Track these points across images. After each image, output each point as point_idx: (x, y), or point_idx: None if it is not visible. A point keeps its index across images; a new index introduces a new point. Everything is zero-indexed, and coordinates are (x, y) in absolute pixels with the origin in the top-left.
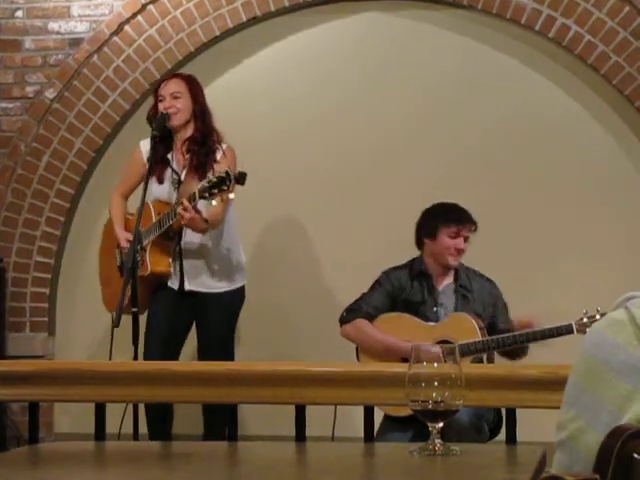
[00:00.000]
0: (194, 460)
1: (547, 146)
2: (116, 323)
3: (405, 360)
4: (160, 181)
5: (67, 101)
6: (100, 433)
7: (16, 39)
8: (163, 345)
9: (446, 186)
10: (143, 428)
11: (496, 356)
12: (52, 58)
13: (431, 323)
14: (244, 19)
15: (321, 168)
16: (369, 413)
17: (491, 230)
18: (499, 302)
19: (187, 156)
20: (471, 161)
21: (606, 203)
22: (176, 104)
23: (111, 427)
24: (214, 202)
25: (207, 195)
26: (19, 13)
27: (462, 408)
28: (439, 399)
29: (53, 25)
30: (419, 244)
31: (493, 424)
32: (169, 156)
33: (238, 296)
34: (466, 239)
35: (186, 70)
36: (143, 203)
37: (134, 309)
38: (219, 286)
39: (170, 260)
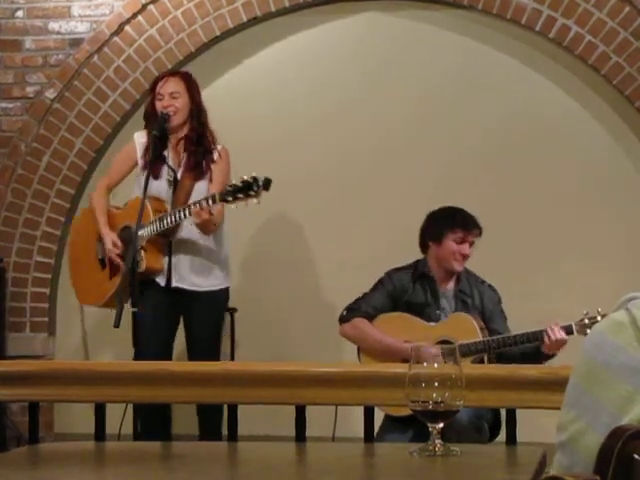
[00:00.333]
0: (194, 460)
1: (547, 146)
2: (116, 324)
3: (404, 361)
4: (156, 176)
5: (67, 101)
6: (100, 433)
7: (16, 39)
8: (155, 343)
9: (446, 186)
10: None
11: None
12: (52, 58)
13: (431, 323)
14: (244, 19)
15: (322, 168)
16: (369, 413)
17: (491, 230)
18: (497, 308)
19: (183, 155)
20: (471, 161)
21: (606, 203)
22: (175, 103)
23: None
24: (236, 206)
25: (230, 199)
26: (19, 13)
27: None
28: (439, 400)
29: (53, 25)
30: (423, 247)
31: (490, 423)
32: (165, 153)
33: (224, 296)
34: (471, 244)
35: (187, 70)
36: (143, 203)
37: (133, 309)
38: (206, 284)
39: (163, 257)
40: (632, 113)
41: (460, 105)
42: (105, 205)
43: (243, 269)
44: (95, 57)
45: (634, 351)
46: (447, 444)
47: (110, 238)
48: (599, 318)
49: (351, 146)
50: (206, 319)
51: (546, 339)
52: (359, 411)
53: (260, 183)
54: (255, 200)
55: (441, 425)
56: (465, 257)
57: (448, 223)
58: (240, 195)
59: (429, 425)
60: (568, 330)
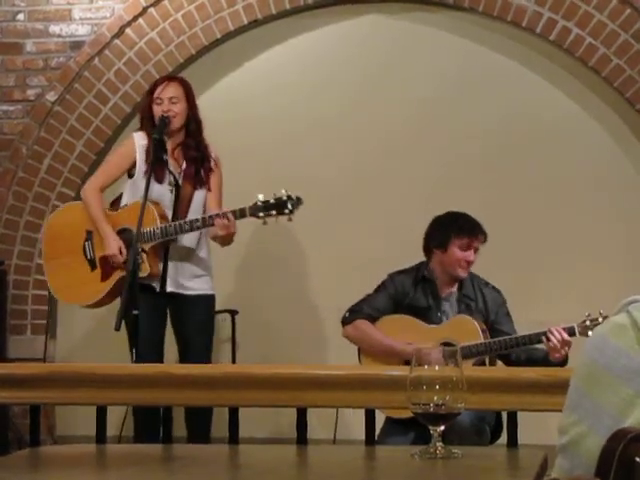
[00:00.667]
0: (195, 463)
1: (548, 148)
2: (117, 327)
3: (406, 362)
4: (159, 180)
5: (68, 104)
6: (101, 436)
7: (17, 42)
8: (151, 346)
9: (446, 188)
10: None
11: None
12: (53, 61)
13: (433, 325)
14: (245, 22)
15: (322, 170)
16: (370, 416)
17: (490, 231)
18: (502, 309)
19: (182, 162)
20: (472, 163)
21: (607, 204)
22: (173, 108)
23: (112, 430)
24: (266, 222)
25: (261, 214)
26: (20, 16)
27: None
28: (440, 402)
29: (54, 28)
30: (427, 252)
31: (492, 427)
32: (165, 158)
33: (212, 301)
34: (476, 251)
35: (187, 73)
36: (144, 205)
37: (135, 312)
38: (199, 288)
39: (159, 261)
40: (633, 115)
41: (461, 107)
42: (101, 207)
43: (244, 271)
44: (96, 60)
45: (635, 354)
46: (448, 446)
47: (117, 244)
48: (601, 319)
49: (352, 148)
50: (201, 322)
51: (550, 341)
52: (360, 414)
53: (295, 201)
54: (287, 218)
55: (442, 428)
56: (470, 264)
57: (454, 230)
58: (273, 212)
59: (430, 428)
60: (570, 332)
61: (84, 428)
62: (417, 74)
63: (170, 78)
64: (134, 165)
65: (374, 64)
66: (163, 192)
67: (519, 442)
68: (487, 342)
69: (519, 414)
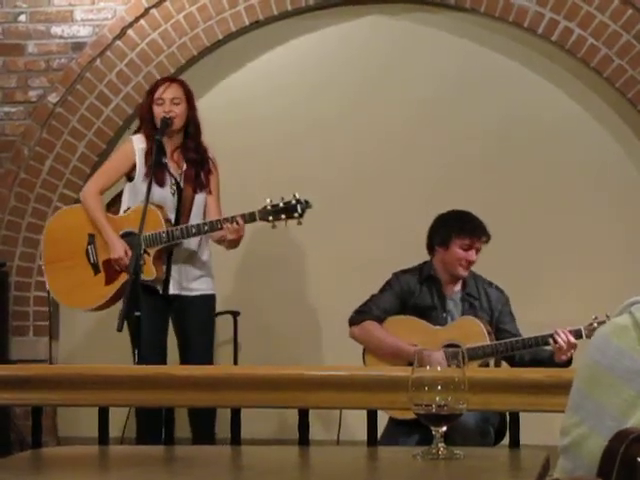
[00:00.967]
0: (197, 464)
1: (549, 149)
2: (119, 328)
3: (411, 364)
4: (160, 183)
5: (70, 105)
6: (103, 437)
7: (19, 43)
8: (151, 346)
9: (447, 188)
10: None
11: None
12: (55, 62)
13: (439, 326)
14: (247, 23)
15: (323, 171)
16: (372, 417)
17: (492, 232)
18: (505, 309)
19: (184, 165)
20: (472, 164)
21: (608, 205)
22: (175, 109)
23: (114, 431)
24: (275, 226)
25: (270, 218)
26: (22, 17)
27: (468, 412)
28: (442, 403)
29: (56, 29)
30: (430, 250)
31: (497, 428)
32: (164, 160)
33: (213, 301)
34: (478, 250)
35: (189, 74)
36: (146, 207)
37: (137, 313)
38: (200, 289)
39: (163, 264)
40: (634, 115)
41: (462, 107)
42: (104, 210)
43: (245, 273)
44: (97, 61)
45: (638, 355)
46: (450, 447)
47: (123, 247)
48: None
49: (352, 148)
50: (202, 322)
51: (557, 343)
52: (364, 414)
53: (304, 205)
54: (296, 221)
55: (444, 428)
56: (471, 263)
57: (456, 229)
58: (282, 215)
59: (432, 428)
60: (577, 334)
61: (86, 429)
62: (418, 75)
63: (171, 79)
64: (133, 168)
65: (375, 65)
66: (165, 195)
67: (521, 443)
68: (493, 344)
69: (522, 415)
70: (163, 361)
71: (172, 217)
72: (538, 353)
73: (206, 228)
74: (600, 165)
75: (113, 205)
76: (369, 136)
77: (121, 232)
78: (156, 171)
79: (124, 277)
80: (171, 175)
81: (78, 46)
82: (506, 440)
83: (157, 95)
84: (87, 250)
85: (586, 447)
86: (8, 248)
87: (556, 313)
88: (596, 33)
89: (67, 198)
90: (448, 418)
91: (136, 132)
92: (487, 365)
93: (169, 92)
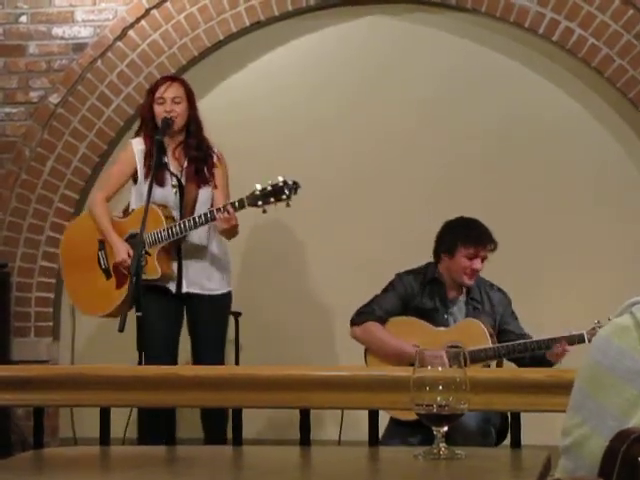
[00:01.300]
0: (199, 464)
1: (550, 149)
2: (120, 328)
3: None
4: (161, 183)
5: (71, 106)
6: (105, 438)
7: (20, 44)
8: (164, 348)
9: (448, 189)
10: None
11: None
12: (56, 63)
13: (441, 328)
14: (247, 24)
15: (323, 171)
16: (374, 417)
17: (493, 234)
18: (508, 310)
19: (185, 162)
20: (473, 164)
21: (609, 205)
22: (176, 108)
23: (116, 432)
24: (266, 210)
25: (260, 203)
26: (23, 18)
27: (469, 413)
28: (444, 403)
29: (57, 30)
30: (436, 256)
31: (498, 428)
32: (165, 160)
33: (229, 299)
34: (484, 259)
35: (190, 74)
36: (147, 207)
37: (138, 313)
38: (214, 288)
39: (172, 262)
40: (635, 115)
41: (462, 107)
42: (110, 216)
43: (246, 273)
44: (99, 62)
45: (639, 355)
46: (451, 447)
47: (125, 249)
48: None
49: (353, 149)
50: (214, 322)
51: (554, 351)
52: (366, 414)
53: (291, 186)
54: (285, 203)
55: (445, 428)
56: (476, 272)
57: (462, 237)
58: (271, 199)
59: (433, 428)
60: (579, 339)
61: (88, 430)
62: (418, 75)
63: (172, 78)
64: (136, 171)
65: (375, 65)
66: (167, 194)
67: (523, 443)
68: (495, 347)
69: (523, 415)
70: (174, 361)
71: (177, 215)
72: (535, 352)
73: (202, 220)
74: (600, 165)
75: (128, 209)
76: (369, 136)
77: (126, 235)
78: (156, 171)
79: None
80: (172, 174)
81: (79, 47)
82: (507, 440)
83: (158, 94)
84: (98, 256)
85: (587, 447)
86: (9, 249)
87: (557, 313)
88: (597, 33)
89: (68, 199)
90: (449, 418)
91: (136, 134)
92: (488, 366)
93: (170, 91)
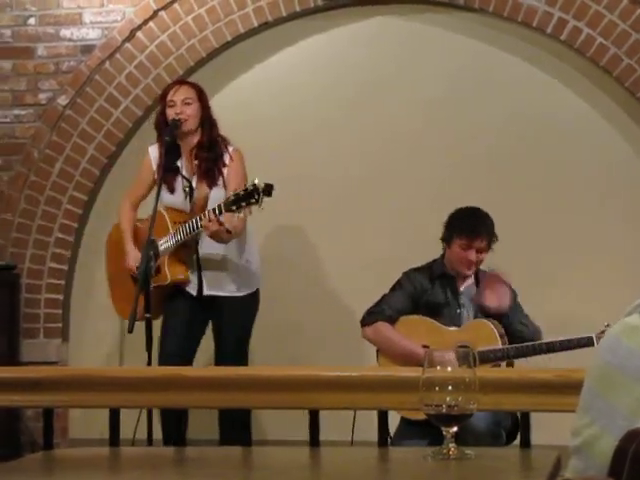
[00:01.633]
0: (208, 465)
1: (558, 148)
2: (130, 329)
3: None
4: (171, 190)
5: (79, 108)
6: (114, 439)
7: (29, 46)
8: (180, 349)
9: (456, 188)
10: (157, 434)
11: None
12: (64, 65)
13: (452, 328)
14: (255, 24)
15: (331, 170)
16: (383, 418)
17: (500, 233)
18: (515, 302)
19: (195, 163)
20: (481, 163)
21: (617, 205)
22: (187, 110)
23: (125, 433)
24: (241, 215)
25: (234, 208)
26: (31, 20)
27: (479, 414)
28: (453, 403)
29: (65, 32)
30: (443, 245)
31: (508, 429)
32: (178, 164)
33: (255, 299)
34: (480, 251)
35: (198, 75)
36: (155, 212)
37: (147, 315)
38: (235, 290)
39: (188, 268)
40: None
41: (470, 107)
42: (129, 222)
43: None
44: (107, 63)
45: None
46: (461, 447)
47: (133, 258)
48: None
49: (360, 148)
50: (235, 324)
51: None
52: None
53: (260, 190)
54: (256, 207)
55: (455, 429)
56: (472, 263)
57: (456, 228)
58: (242, 203)
59: (443, 429)
60: (589, 341)
61: (97, 431)
62: (427, 75)
63: (181, 81)
64: (155, 177)
65: (383, 65)
66: (178, 198)
67: (532, 443)
68: (504, 348)
69: (532, 415)
70: (183, 363)
71: (188, 218)
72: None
73: (196, 226)
74: (609, 164)
75: None
76: (377, 135)
77: (145, 240)
78: (168, 178)
79: (151, 284)
80: (183, 177)
81: (87, 49)
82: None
83: (169, 97)
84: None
85: (598, 447)
86: (19, 250)
87: (566, 314)
88: (605, 32)
89: (77, 200)
90: (459, 418)
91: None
92: (499, 366)
93: (180, 93)
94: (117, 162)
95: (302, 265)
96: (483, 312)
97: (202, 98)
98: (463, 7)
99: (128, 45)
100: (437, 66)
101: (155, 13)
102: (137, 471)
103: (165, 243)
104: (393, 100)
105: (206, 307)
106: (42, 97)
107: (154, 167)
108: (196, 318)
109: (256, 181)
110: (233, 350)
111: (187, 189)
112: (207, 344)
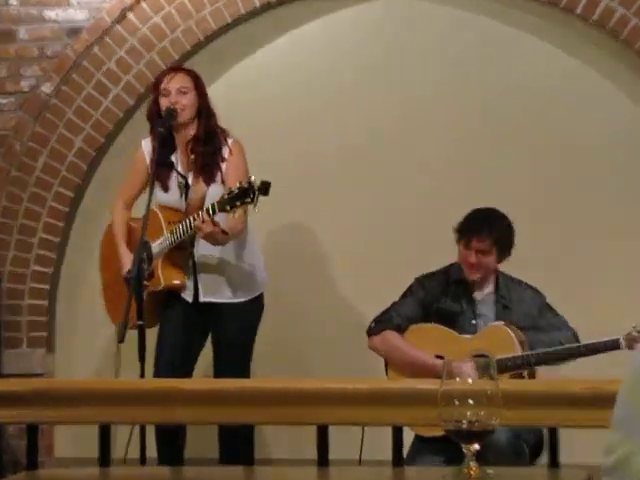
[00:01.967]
0: None
1: (572, 126)
2: (120, 338)
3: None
4: (165, 188)
5: (65, 96)
6: (105, 457)
7: (10, 29)
8: (176, 360)
9: (465, 168)
10: (151, 452)
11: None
12: (49, 49)
13: (466, 335)
14: (257, 5)
15: (337, 152)
16: (397, 434)
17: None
18: (544, 310)
19: (191, 157)
20: (494, 142)
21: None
22: (182, 100)
23: (117, 451)
24: (236, 215)
25: (228, 208)
26: (13, 1)
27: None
28: (474, 418)
29: (49, 13)
30: None
31: (532, 445)
32: (173, 158)
33: (257, 305)
34: (480, 252)
35: (194, 61)
36: (148, 211)
37: (140, 322)
38: (236, 296)
39: (183, 272)
40: None
41: (481, 86)
42: (122, 223)
43: None
44: (95, 48)
45: None
46: (483, 467)
47: (127, 263)
48: None
49: (366, 125)
50: (235, 332)
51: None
52: (389, 432)
53: (256, 188)
54: (252, 207)
55: (476, 446)
56: (472, 265)
57: (459, 227)
58: (237, 203)
59: (463, 446)
60: (615, 344)
61: (86, 449)
62: (434, 54)
63: (176, 68)
64: (149, 172)
65: (390, 43)
66: (172, 195)
67: (561, 461)
68: (524, 355)
69: (561, 431)
70: (177, 374)
71: (183, 217)
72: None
73: (185, 228)
74: (620, 133)
75: None
76: (385, 113)
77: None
78: (162, 176)
79: (147, 289)
80: (178, 173)
81: (74, 31)
82: (544, 459)
83: (162, 86)
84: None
85: (635, 464)
86: None
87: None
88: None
89: (63, 197)
90: (480, 435)
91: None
92: (520, 377)
93: (174, 82)
94: (106, 156)
95: (306, 266)
96: None
97: (199, 86)
98: None
99: (118, 27)
100: (445, 44)
101: None
102: None
103: (159, 245)
104: (399, 79)
105: (204, 314)
106: (24, 84)
107: (148, 162)
108: (194, 326)
109: (252, 178)
110: (234, 361)
111: (182, 186)
112: (205, 354)
